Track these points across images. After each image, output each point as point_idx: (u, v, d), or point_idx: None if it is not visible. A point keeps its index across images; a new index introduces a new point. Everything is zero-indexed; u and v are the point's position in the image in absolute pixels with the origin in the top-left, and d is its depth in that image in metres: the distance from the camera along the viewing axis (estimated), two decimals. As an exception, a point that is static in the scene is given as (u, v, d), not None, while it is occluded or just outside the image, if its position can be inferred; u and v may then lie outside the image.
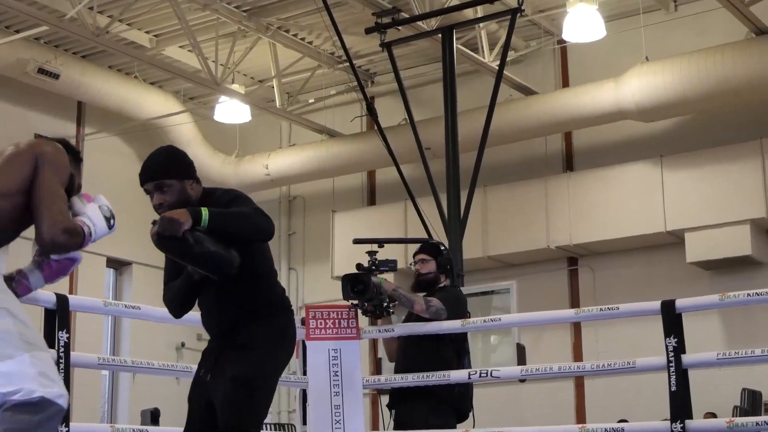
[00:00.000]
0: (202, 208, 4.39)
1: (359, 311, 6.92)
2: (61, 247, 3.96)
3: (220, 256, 4.44)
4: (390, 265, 6.94)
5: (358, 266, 6.89)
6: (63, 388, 3.80)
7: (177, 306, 4.81)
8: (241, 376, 4.57)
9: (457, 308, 6.81)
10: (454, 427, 6.67)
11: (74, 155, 4.25)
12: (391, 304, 6.88)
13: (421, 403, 6.63)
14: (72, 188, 4.20)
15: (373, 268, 6.89)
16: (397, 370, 6.87)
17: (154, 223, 4.44)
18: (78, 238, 3.97)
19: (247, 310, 4.67)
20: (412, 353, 6.86)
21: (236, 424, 4.53)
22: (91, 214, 4.12)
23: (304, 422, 7.15)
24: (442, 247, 7.15)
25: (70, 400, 5.72)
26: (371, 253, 6.97)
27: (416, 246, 7.22)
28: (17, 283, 4.12)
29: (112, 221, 4.19)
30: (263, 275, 4.73)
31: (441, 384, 6.61)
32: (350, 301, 6.89)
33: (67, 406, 3.84)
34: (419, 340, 6.79)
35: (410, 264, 7.20)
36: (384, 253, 7.07)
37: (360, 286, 6.77)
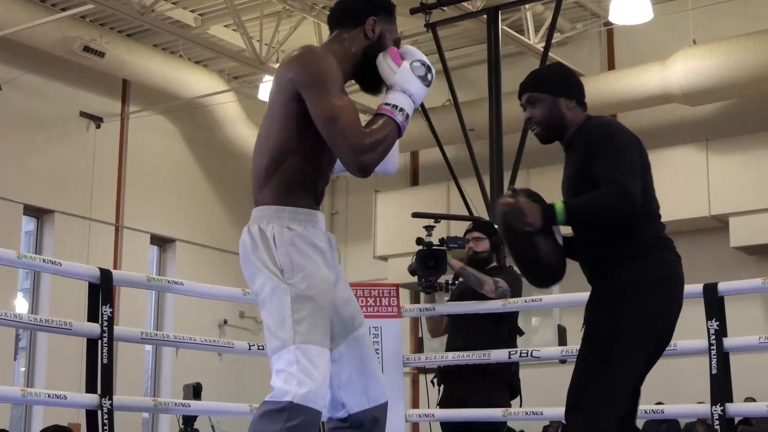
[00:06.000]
0: (557, 204, 4.03)
1: (424, 287, 6.73)
2: (371, 167, 3.54)
3: (539, 268, 4.12)
4: (459, 242, 6.73)
5: (419, 241, 6.73)
6: (308, 384, 3.37)
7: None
8: (592, 333, 4.11)
9: (518, 291, 6.71)
10: (509, 405, 6.65)
11: (384, 7, 3.74)
12: (455, 281, 6.75)
13: (479, 381, 6.60)
14: (381, 48, 3.69)
15: (443, 244, 6.73)
16: (450, 348, 6.79)
17: (511, 191, 4.07)
18: (384, 143, 3.57)
19: (608, 254, 4.20)
20: (467, 332, 6.73)
21: (579, 386, 4.15)
22: (401, 80, 3.62)
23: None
24: (496, 227, 7.04)
25: (114, 373, 5.79)
26: (429, 228, 6.80)
27: (462, 224, 7.12)
28: None
29: (429, 76, 3.64)
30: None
31: (500, 363, 6.57)
32: (422, 279, 6.70)
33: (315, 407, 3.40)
34: (477, 320, 6.70)
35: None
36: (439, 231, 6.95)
37: (432, 262, 6.62)
